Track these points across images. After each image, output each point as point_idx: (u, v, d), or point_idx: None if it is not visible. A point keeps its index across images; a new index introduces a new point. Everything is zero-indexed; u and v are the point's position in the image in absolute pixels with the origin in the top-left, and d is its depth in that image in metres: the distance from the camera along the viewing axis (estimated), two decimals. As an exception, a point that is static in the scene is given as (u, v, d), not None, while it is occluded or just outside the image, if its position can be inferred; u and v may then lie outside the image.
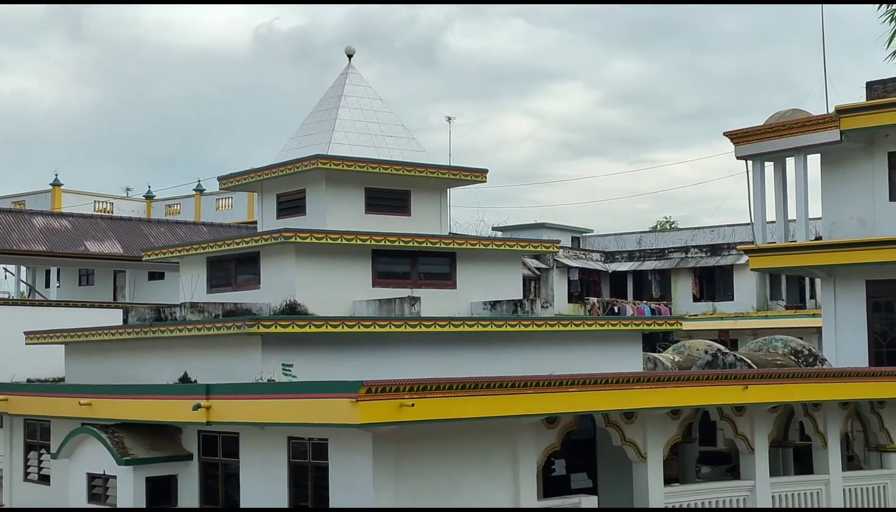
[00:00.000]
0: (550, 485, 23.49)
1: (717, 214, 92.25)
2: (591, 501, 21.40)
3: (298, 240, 24.96)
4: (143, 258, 30.95)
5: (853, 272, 31.06)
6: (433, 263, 27.08)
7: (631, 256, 59.35)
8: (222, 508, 22.04)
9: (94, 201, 63.83)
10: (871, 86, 32.35)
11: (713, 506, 23.14)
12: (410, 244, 26.31)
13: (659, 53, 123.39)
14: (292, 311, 24.61)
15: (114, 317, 36.18)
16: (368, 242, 25.80)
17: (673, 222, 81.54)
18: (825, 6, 35.12)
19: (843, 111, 30.54)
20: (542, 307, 27.35)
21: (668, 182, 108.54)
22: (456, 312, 26.45)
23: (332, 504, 19.47)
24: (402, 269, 26.69)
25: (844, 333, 31.40)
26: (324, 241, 25.22)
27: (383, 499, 18.71)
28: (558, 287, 55.67)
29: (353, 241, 25.54)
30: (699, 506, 22.90)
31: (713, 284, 56.46)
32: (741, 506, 23.56)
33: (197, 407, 20.75)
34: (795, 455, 28.17)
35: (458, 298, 27.16)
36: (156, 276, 49.31)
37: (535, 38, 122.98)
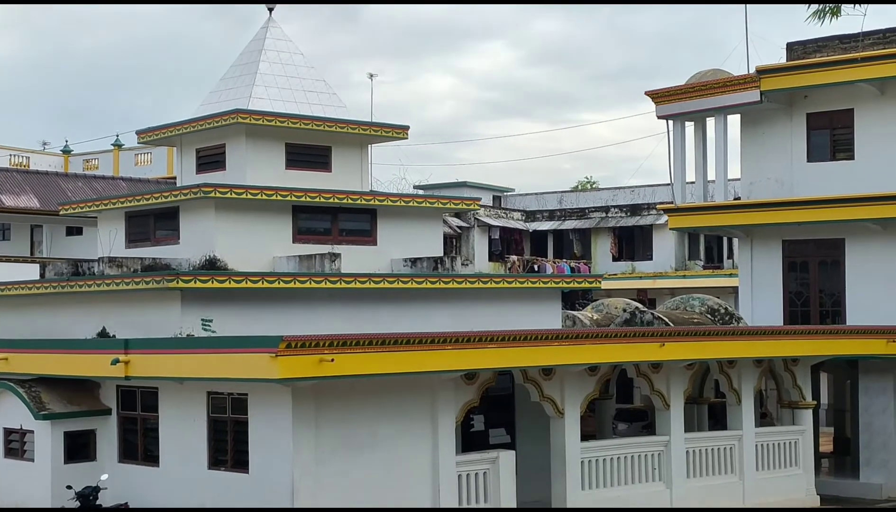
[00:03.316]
0: (469, 440, 23.67)
1: (637, 175, 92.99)
2: (508, 456, 21.59)
3: (218, 195, 24.79)
4: (61, 212, 30.56)
5: (770, 232, 31.46)
6: (354, 220, 27.05)
7: (552, 215, 59.61)
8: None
9: (10, 155, 62.66)
10: (791, 47, 32.66)
11: (628, 461, 23.45)
12: (331, 200, 26.25)
13: (582, 12, 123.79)
14: (212, 266, 24.46)
15: (31, 272, 35.67)
16: (289, 198, 25.69)
17: (594, 182, 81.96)
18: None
19: (763, 72, 30.81)
20: (462, 265, 27.47)
21: (589, 142, 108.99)
22: (376, 269, 26.45)
23: (252, 459, 19.46)
24: (322, 225, 26.63)
25: (760, 293, 31.82)
26: (244, 196, 25.08)
27: (302, 453, 18.74)
28: (479, 245, 55.77)
29: (274, 197, 25.41)
30: (615, 461, 23.19)
31: (633, 243, 56.91)
32: (656, 460, 23.90)
33: (115, 362, 20.59)
34: (710, 412, 28.62)
35: (378, 255, 27.17)
36: (74, 231, 48.57)
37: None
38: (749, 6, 34.80)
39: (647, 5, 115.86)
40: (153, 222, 26.71)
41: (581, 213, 58.92)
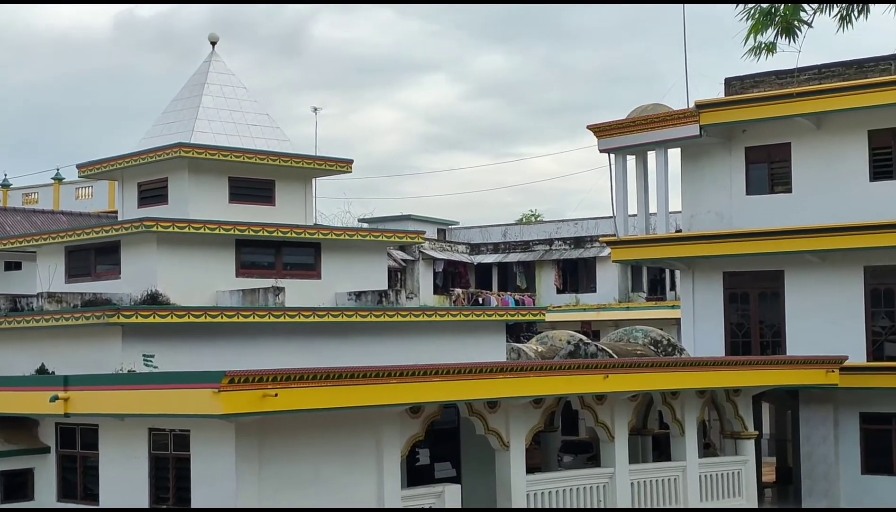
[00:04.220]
0: (415, 474, 23.58)
1: (580, 207, 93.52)
2: (454, 490, 21.53)
3: (160, 229, 24.63)
4: (-1, 247, 30.19)
5: (711, 264, 31.77)
6: (298, 254, 26.98)
7: (496, 248, 59.79)
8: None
9: (-52, 189, 61.92)
10: (729, 82, 33.09)
11: (574, 494, 23.47)
12: (275, 234, 26.18)
13: (524, 47, 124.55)
14: (154, 301, 24.27)
15: (-32, 308, 35.10)
16: (232, 232, 25.58)
17: (538, 215, 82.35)
18: (688, 3, 35.78)
19: (702, 107, 31.19)
20: (406, 298, 27.46)
21: (533, 175, 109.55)
22: (321, 303, 26.37)
23: (194, 496, 19.25)
24: (266, 259, 26.53)
25: (702, 324, 32.09)
26: (186, 230, 24.93)
27: (246, 491, 18.57)
28: (424, 278, 55.81)
29: (217, 231, 25.29)
30: (560, 493, 23.20)
31: (576, 275, 57.20)
32: (601, 493, 23.95)
33: (54, 398, 20.31)
34: (654, 443, 28.75)
35: (322, 289, 27.10)
36: (12, 266, 47.98)
37: (401, 30, 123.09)
38: (688, 43, 35.22)
39: (588, 41, 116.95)
40: (94, 257, 26.47)
41: (525, 245, 59.15)
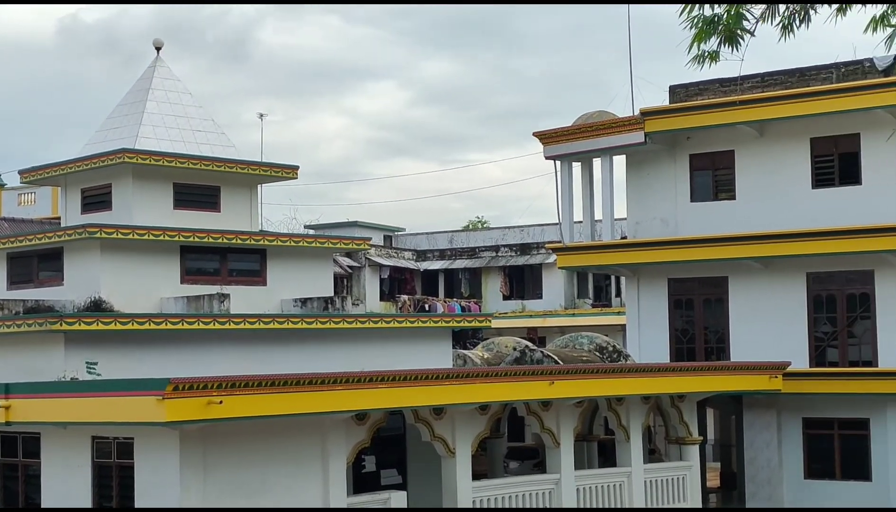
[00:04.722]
0: (360, 481, 23.54)
1: (527, 214, 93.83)
2: (400, 497, 21.52)
3: (104, 235, 24.44)
4: (-61, 254, 29.73)
5: (656, 271, 31.96)
6: (243, 260, 26.87)
7: (442, 254, 59.81)
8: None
9: None
10: (674, 90, 33.34)
11: (519, 500, 23.52)
12: (220, 241, 26.05)
13: (471, 53, 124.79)
14: (97, 308, 24.07)
15: None
16: (177, 239, 25.43)
17: (484, 222, 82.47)
18: (633, 11, 36.00)
19: (647, 114, 31.39)
20: (353, 304, 27.43)
21: (479, 182, 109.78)
22: (266, 309, 26.28)
23: (138, 505, 19.09)
24: (211, 265, 26.40)
25: (647, 330, 32.27)
26: (130, 237, 24.76)
27: (190, 499, 18.45)
28: (370, 285, 55.70)
29: (161, 238, 25.13)
30: (506, 500, 23.24)
31: (522, 282, 57.31)
32: (547, 499, 24.01)
33: (-5, 407, 20.07)
34: (600, 449, 28.88)
35: (268, 295, 27.00)
36: (-47, 272, 47.45)
37: (348, 36, 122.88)
38: (634, 51, 35.48)
39: (535, 48, 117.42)
40: (36, 263, 26.21)
41: (471, 252, 59.22)
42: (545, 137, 33.36)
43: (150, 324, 23.00)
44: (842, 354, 29.78)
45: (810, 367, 29.61)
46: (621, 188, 33.39)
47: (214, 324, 23.82)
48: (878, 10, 10.15)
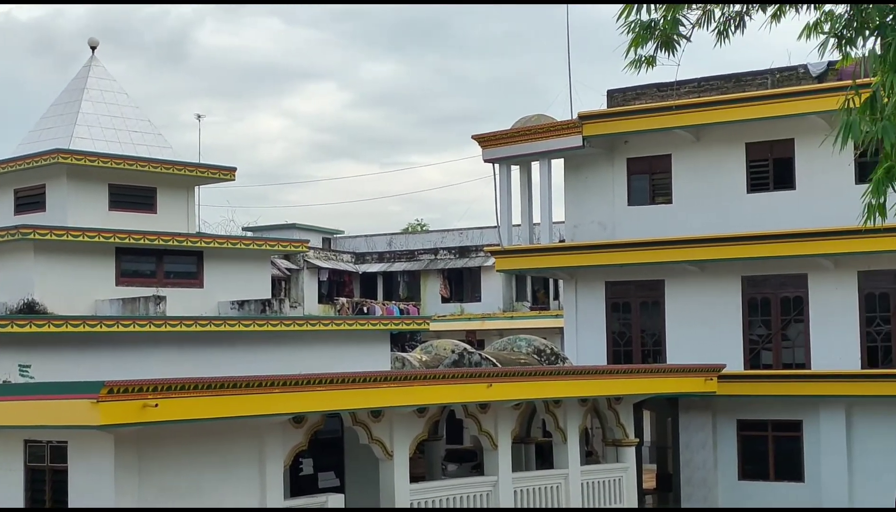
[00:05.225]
0: (298, 484, 23.44)
1: (466, 217, 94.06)
2: (337, 499, 21.46)
3: (37, 237, 24.15)
4: None
5: (593, 274, 32.13)
6: (180, 262, 26.68)
7: (381, 257, 59.76)
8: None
9: None
10: (611, 94, 33.55)
11: (457, 502, 23.54)
12: (156, 242, 25.86)
13: (413, 56, 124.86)
14: (30, 310, 23.79)
15: None
16: (112, 240, 25.21)
17: (424, 225, 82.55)
18: (572, 17, 36.25)
19: (584, 118, 31.55)
20: (290, 307, 27.34)
21: (419, 185, 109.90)
22: (203, 312, 26.11)
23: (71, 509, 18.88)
24: (147, 267, 26.20)
25: (585, 333, 32.43)
26: (64, 238, 24.50)
27: (124, 503, 18.26)
28: (308, 288, 55.55)
29: (96, 239, 24.89)
30: (444, 502, 23.25)
31: (461, 285, 57.44)
32: (485, 500, 24.06)
33: (-75, 410, 19.74)
34: (538, 451, 28.98)
35: (205, 298, 26.84)
36: None
37: (289, 38, 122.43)
38: (572, 55, 35.66)
39: (476, 51, 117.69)
40: (-32, 265, 25.84)
41: (410, 255, 59.25)
42: (484, 141, 33.45)
43: (84, 326, 22.76)
44: (776, 356, 30.13)
45: (745, 369, 29.93)
46: (559, 191, 33.58)
47: (150, 326, 23.63)
48: (812, 16, 10.28)
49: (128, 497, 18.30)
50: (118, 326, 23.21)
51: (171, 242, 26.09)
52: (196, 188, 28.99)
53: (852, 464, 28.42)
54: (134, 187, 27.09)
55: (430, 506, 22.95)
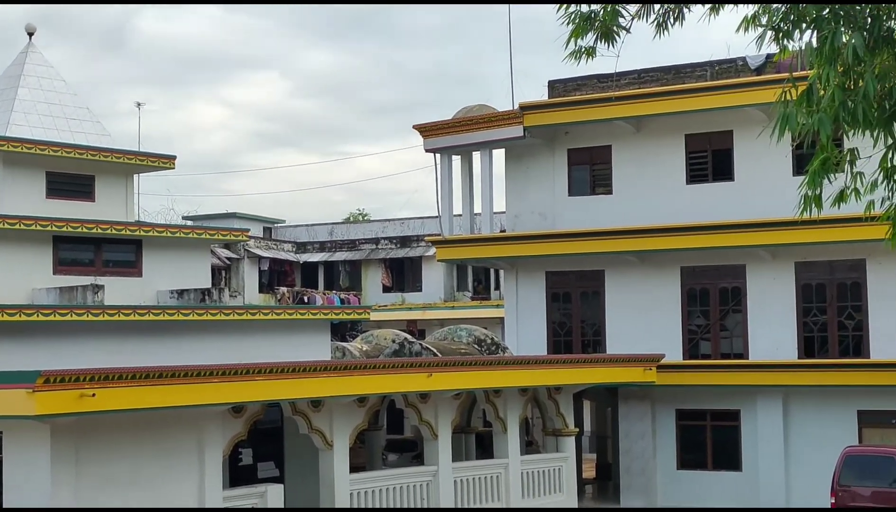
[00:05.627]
0: (237, 475, 23.35)
1: (407, 207, 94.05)
2: (277, 490, 21.39)
3: (-27, 224, 23.80)
4: None
5: (534, 264, 32.25)
6: (118, 251, 26.44)
7: (322, 246, 59.57)
8: None
9: None
10: (552, 85, 33.68)
11: (398, 492, 23.56)
12: (94, 231, 25.58)
13: (355, 45, 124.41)
14: (-35, 299, 23.47)
15: None
16: (49, 228, 24.90)
17: (365, 214, 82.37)
18: (514, 7, 36.28)
19: (526, 108, 31.64)
20: (230, 296, 27.17)
21: (360, 174, 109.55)
22: (142, 301, 25.89)
23: (7, 501, 18.66)
24: (85, 256, 25.93)
25: (525, 323, 32.56)
26: (0, 226, 24.16)
27: (61, 494, 18.10)
28: (249, 277, 55.25)
29: (33, 227, 24.58)
30: (384, 492, 23.25)
31: (402, 275, 57.40)
32: (425, 491, 24.08)
33: None
34: (478, 441, 29.07)
35: (144, 287, 26.61)
36: None
37: (229, 25, 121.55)
38: (514, 46, 35.76)
39: (418, 41, 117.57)
40: None
41: (352, 244, 59.10)
42: (425, 130, 33.45)
43: (20, 315, 22.48)
44: (714, 346, 30.42)
45: (684, 359, 30.20)
46: (501, 182, 33.66)
47: (88, 315, 23.39)
48: (750, 10, 10.37)
49: (65, 488, 18.14)
50: (55, 316, 22.94)
51: (109, 231, 25.82)
52: (135, 176, 28.74)
53: (789, 452, 28.78)
54: (72, 175, 26.79)
55: (369, 495, 22.95)
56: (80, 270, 25.63)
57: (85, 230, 25.42)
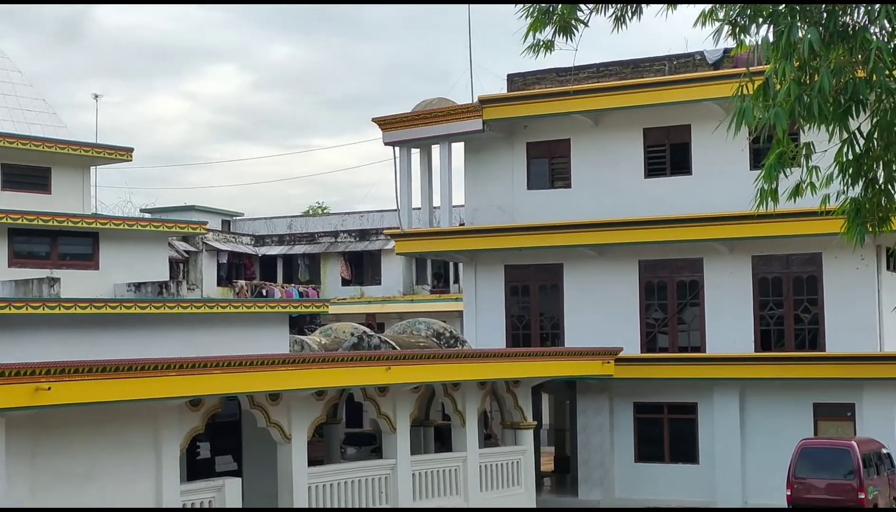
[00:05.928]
0: (195, 468, 23.26)
1: (366, 200, 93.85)
2: (235, 483, 21.32)
3: (-74, 217, 23.57)
4: None
5: (493, 257, 32.29)
6: (74, 243, 26.28)
7: (281, 239, 59.38)
8: None
9: None
10: (511, 78, 33.71)
11: (356, 485, 23.54)
12: (50, 223, 25.43)
13: (314, 39, 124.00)
14: (-81, 292, 23.24)
15: None
16: (4, 221, 24.74)
17: (324, 207, 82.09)
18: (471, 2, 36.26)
19: (485, 102, 31.66)
20: (188, 289, 27.07)
21: (320, 167, 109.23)
22: (98, 294, 25.75)
23: (-39, 495, 18.50)
24: (41, 248, 25.75)
25: (484, 316, 32.59)
26: (-45, 218, 23.97)
27: (17, 489, 17.95)
28: (207, 270, 54.97)
29: (-13, 220, 24.40)
30: (343, 485, 23.22)
31: (361, 268, 57.29)
32: (383, 484, 24.06)
33: None
34: (437, 434, 29.09)
35: (100, 279, 26.46)
36: None
37: (188, 17, 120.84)
38: (474, 39, 35.79)
39: (378, 34, 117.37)
40: None
41: (311, 237, 58.94)
42: (384, 123, 33.39)
43: (-25, 308, 22.29)
44: (672, 340, 30.59)
45: (642, 352, 30.34)
46: (460, 175, 33.66)
47: (44, 309, 23.22)
48: (707, 5, 10.42)
49: (20, 482, 17.99)
50: (10, 309, 22.76)
51: (65, 223, 25.66)
52: (92, 169, 28.56)
53: (745, 445, 28.96)
54: (27, 167, 26.60)
55: (328, 489, 22.91)
56: (35, 262, 25.46)
57: (41, 223, 25.25)
